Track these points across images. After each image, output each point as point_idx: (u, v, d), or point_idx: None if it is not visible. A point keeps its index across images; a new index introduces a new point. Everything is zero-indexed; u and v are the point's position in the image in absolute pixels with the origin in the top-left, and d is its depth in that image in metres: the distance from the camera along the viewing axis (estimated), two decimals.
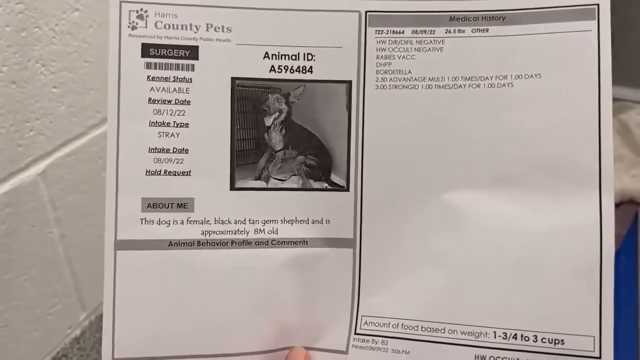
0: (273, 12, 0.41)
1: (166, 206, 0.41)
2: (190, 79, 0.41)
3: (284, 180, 0.42)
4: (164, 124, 0.41)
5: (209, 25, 0.41)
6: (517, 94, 0.41)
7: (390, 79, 0.41)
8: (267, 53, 0.41)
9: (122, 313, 0.41)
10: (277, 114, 0.42)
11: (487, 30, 0.41)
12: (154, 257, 0.41)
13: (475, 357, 0.40)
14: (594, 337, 0.39)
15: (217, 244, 0.41)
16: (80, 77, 0.69)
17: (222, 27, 0.41)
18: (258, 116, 0.42)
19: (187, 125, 0.41)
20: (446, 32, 0.41)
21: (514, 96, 0.41)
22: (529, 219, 0.41)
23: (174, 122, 0.41)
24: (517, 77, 0.41)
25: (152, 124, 0.41)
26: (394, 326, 0.41)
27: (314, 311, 0.42)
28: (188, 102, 0.41)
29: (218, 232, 0.41)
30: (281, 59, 0.41)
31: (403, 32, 0.41)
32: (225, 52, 0.41)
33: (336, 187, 0.42)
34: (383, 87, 0.41)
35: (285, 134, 0.42)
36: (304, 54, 0.41)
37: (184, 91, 0.41)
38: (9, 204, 0.63)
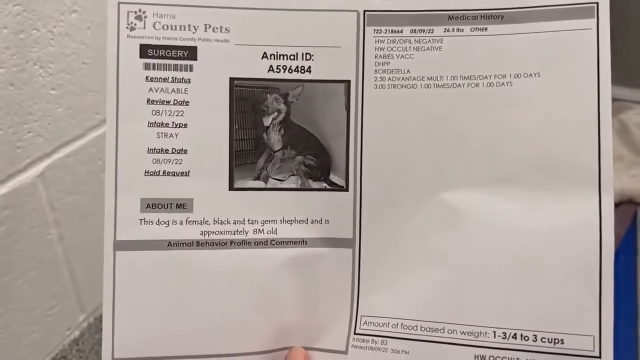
0: (271, 12, 0.41)
1: (165, 206, 0.41)
2: (189, 79, 0.41)
3: (282, 180, 0.42)
4: (162, 124, 0.41)
5: (207, 26, 0.41)
6: (516, 93, 0.40)
7: (389, 79, 0.41)
8: (265, 53, 0.41)
9: (122, 313, 0.41)
10: (276, 114, 0.42)
11: (485, 29, 0.41)
12: (153, 257, 0.41)
13: (475, 356, 0.40)
14: (593, 336, 0.39)
15: (216, 244, 0.41)
16: (79, 78, 0.69)
17: (220, 27, 0.41)
18: (257, 116, 0.42)
19: (185, 125, 0.41)
20: (445, 31, 0.41)
21: (513, 95, 0.41)
22: (528, 219, 0.41)
23: (173, 122, 0.41)
24: (516, 76, 0.41)
25: (151, 124, 0.41)
26: (394, 326, 0.41)
27: (313, 311, 0.42)
28: (187, 103, 0.41)
29: (217, 232, 0.41)
30: (279, 59, 0.41)
31: (401, 31, 0.41)
32: (224, 53, 0.41)
33: (335, 187, 0.42)
34: (382, 86, 0.41)
35: (284, 134, 0.42)
36: (303, 53, 0.41)
37: (183, 92, 0.41)
38: (7, 205, 0.63)
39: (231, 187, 0.41)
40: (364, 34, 0.41)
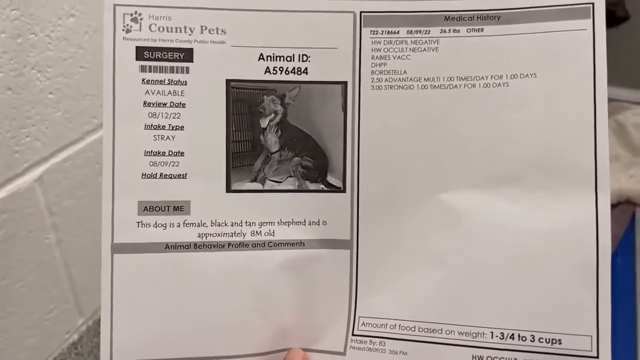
0: (267, 13, 0.41)
1: (162, 209, 0.41)
2: (185, 81, 0.41)
3: (280, 182, 0.42)
4: (159, 127, 0.41)
5: (204, 28, 0.41)
6: (512, 94, 0.41)
7: (386, 80, 0.41)
8: (262, 54, 0.41)
9: (120, 316, 0.40)
10: (273, 115, 0.42)
11: (482, 29, 0.41)
12: (150, 260, 0.41)
13: (473, 357, 0.40)
14: (591, 336, 0.39)
15: (214, 247, 0.41)
16: (76, 82, 0.69)
17: (217, 29, 0.41)
18: (253, 118, 0.42)
19: (182, 128, 0.41)
20: (441, 32, 0.41)
21: (509, 95, 0.41)
22: (526, 219, 0.41)
23: (169, 125, 0.41)
24: (512, 76, 0.41)
25: (148, 127, 0.41)
26: (392, 327, 0.41)
27: (311, 312, 0.42)
28: (183, 105, 0.41)
29: (214, 235, 0.41)
30: (276, 60, 0.41)
31: (398, 32, 0.41)
32: (220, 54, 0.41)
33: (332, 188, 0.42)
34: (379, 87, 0.41)
35: (281, 135, 0.42)
36: (299, 55, 0.41)
37: (179, 94, 0.41)
38: (5, 210, 0.63)
39: (228, 189, 0.41)
40: (361, 35, 0.41)
